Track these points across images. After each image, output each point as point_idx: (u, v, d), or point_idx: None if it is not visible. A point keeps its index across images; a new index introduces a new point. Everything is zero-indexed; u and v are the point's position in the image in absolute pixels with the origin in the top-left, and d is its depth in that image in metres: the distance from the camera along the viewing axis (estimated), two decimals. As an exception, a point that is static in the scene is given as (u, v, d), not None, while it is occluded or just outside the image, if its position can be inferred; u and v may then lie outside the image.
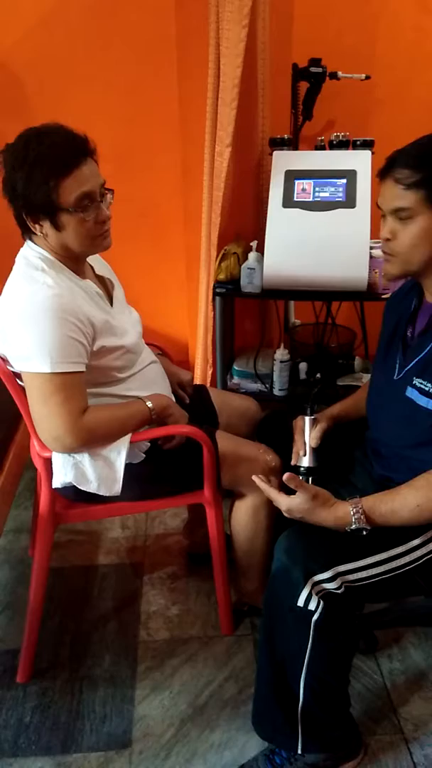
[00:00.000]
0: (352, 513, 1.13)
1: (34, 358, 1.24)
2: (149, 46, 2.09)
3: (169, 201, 2.29)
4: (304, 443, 1.36)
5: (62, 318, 1.23)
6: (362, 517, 1.12)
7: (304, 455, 1.35)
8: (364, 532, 1.13)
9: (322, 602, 1.14)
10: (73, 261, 1.35)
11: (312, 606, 1.14)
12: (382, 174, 1.14)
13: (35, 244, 1.31)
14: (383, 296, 1.86)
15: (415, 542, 1.17)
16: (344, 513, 1.14)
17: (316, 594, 1.14)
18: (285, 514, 1.20)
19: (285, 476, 1.14)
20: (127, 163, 2.22)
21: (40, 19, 2.04)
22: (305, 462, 1.35)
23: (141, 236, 2.32)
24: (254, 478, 1.24)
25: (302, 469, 1.34)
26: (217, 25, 1.80)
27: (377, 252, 1.85)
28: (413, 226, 1.11)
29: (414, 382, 1.20)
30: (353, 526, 1.13)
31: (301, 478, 1.30)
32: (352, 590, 1.16)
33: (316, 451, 1.35)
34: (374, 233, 1.81)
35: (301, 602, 1.14)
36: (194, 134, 2.02)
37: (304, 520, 1.17)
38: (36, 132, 1.23)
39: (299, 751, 1.27)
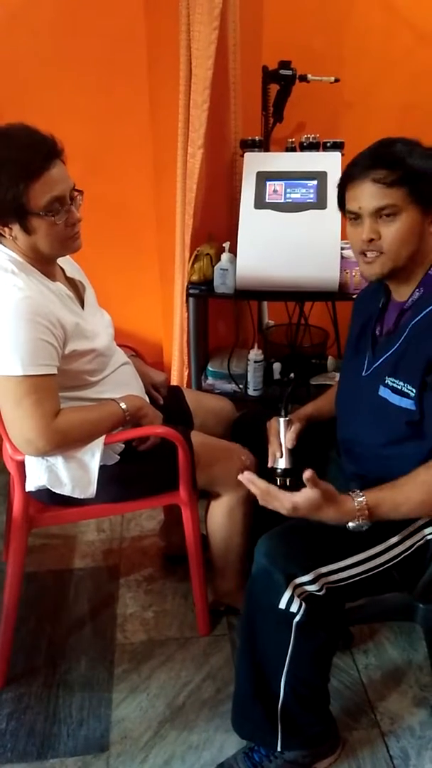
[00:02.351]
0: (357, 508, 1.10)
1: (5, 361, 1.22)
2: (119, 47, 2.08)
3: (141, 202, 2.29)
4: (280, 444, 1.37)
5: (33, 321, 1.22)
6: (366, 513, 1.10)
7: (280, 457, 1.35)
8: (364, 528, 1.12)
9: (304, 604, 1.14)
10: (43, 263, 1.33)
11: (294, 608, 1.14)
12: (354, 177, 1.16)
13: (3, 246, 1.30)
14: (354, 296, 1.88)
15: (394, 540, 1.19)
16: (349, 509, 1.11)
17: (298, 596, 1.14)
18: (284, 513, 1.13)
19: (306, 474, 1.08)
20: (98, 164, 2.20)
21: (8, 18, 2.02)
22: (282, 464, 1.34)
23: (113, 238, 2.31)
24: (241, 477, 1.17)
25: (279, 470, 1.34)
26: (187, 27, 1.81)
27: (348, 252, 1.87)
28: (399, 222, 1.13)
29: (386, 382, 1.21)
30: (355, 523, 1.11)
31: (278, 480, 1.30)
32: (334, 591, 1.16)
33: (292, 452, 1.36)
34: (345, 234, 1.83)
35: (282, 605, 1.14)
36: (166, 135, 2.02)
37: (306, 517, 1.13)
38: (1, 133, 1.21)
39: (279, 749, 1.27)
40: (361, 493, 1.12)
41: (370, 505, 1.11)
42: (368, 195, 1.14)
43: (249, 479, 1.16)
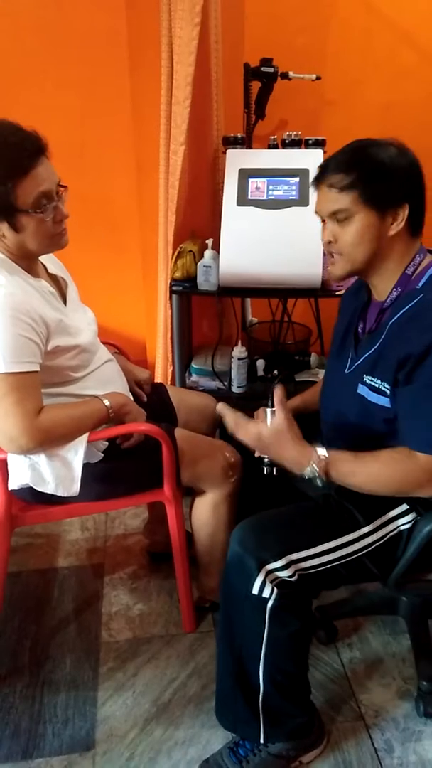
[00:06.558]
0: (318, 455, 1.16)
1: (-13, 358, 1.21)
2: (101, 44, 2.07)
3: (124, 199, 2.28)
4: None
5: (15, 317, 1.22)
6: (323, 463, 1.16)
7: None
8: (319, 482, 1.16)
9: (276, 589, 1.16)
10: (26, 260, 1.33)
11: (266, 593, 1.16)
12: (315, 183, 1.20)
13: (-14, 243, 1.29)
14: (337, 293, 1.90)
15: (366, 529, 1.21)
16: (309, 454, 1.17)
17: (270, 582, 1.16)
18: (251, 443, 1.22)
19: (277, 394, 1.19)
20: (80, 161, 2.19)
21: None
22: None
23: (96, 235, 2.30)
24: (219, 406, 1.28)
25: (266, 460, 1.35)
26: (169, 23, 1.80)
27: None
28: (352, 225, 1.16)
29: (365, 380, 1.23)
30: (309, 470, 1.16)
31: (265, 469, 1.32)
32: (306, 578, 1.18)
33: None
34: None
35: (255, 590, 1.16)
36: (148, 132, 2.01)
37: (266, 452, 1.21)
38: None
39: (261, 740, 1.28)
40: (325, 449, 1.18)
41: (329, 459, 1.16)
42: (323, 199, 1.18)
43: (221, 410, 1.27)
